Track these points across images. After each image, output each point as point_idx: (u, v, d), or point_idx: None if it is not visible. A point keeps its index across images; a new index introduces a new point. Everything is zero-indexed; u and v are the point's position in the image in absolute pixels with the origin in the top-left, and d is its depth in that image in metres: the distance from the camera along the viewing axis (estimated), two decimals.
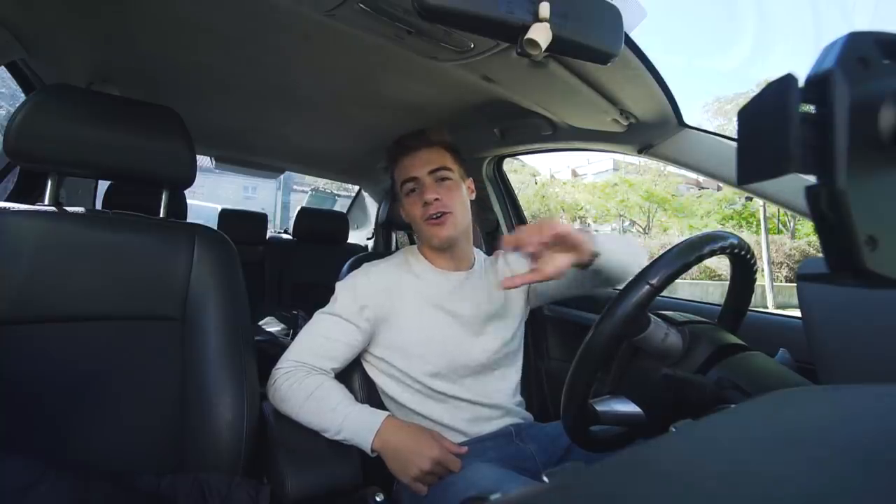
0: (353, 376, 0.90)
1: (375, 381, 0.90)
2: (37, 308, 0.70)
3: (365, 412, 0.77)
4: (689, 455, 0.22)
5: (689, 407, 0.58)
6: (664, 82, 0.87)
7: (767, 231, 10.27)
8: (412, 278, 0.90)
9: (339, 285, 0.89)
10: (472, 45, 0.81)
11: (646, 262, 0.88)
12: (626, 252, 0.82)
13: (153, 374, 0.76)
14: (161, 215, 0.86)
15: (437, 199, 0.85)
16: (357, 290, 0.86)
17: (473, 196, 0.96)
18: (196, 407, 0.75)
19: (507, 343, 0.92)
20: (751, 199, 9.72)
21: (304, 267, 2.18)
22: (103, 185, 1.65)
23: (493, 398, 0.88)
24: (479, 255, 1.02)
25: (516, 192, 1.74)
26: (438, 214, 0.86)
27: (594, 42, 0.55)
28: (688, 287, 8.65)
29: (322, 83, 1.17)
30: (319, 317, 0.86)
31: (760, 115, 0.21)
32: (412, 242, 1.82)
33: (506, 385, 0.91)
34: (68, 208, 0.78)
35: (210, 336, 0.78)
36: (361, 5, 0.70)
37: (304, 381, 0.78)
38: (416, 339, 0.85)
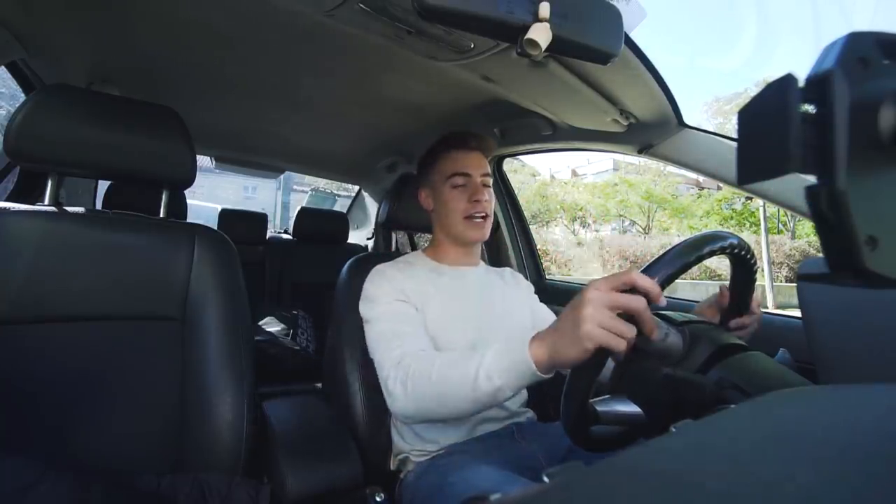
0: (354, 374, 0.90)
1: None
2: (37, 308, 0.70)
3: (498, 347, 0.63)
4: (689, 455, 0.22)
5: (689, 407, 0.57)
6: (664, 82, 0.87)
7: (767, 231, 10.27)
8: (429, 273, 0.93)
9: (367, 285, 0.88)
10: (472, 45, 0.81)
11: None
12: None
13: (153, 375, 0.76)
14: (161, 215, 0.86)
15: (486, 201, 0.91)
16: (392, 281, 0.87)
17: None
18: (196, 407, 0.75)
19: None
20: (751, 199, 9.72)
21: (304, 267, 2.18)
22: (103, 185, 1.65)
23: None
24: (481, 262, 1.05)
25: (516, 192, 1.75)
26: (484, 215, 0.91)
27: (594, 42, 0.55)
28: (688, 287, 8.65)
29: (322, 83, 1.17)
30: (373, 327, 0.82)
31: (760, 115, 0.21)
32: (412, 243, 1.82)
33: None
34: (68, 208, 0.78)
35: (210, 336, 0.78)
36: (361, 5, 0.70)
37: (418, 367, 0.69)
38: (436, 331, 0.86)
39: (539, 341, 0.59)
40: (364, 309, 0.86)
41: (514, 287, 1.03)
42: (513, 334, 0.89)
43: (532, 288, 1.08)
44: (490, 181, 0.95)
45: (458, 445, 0.82)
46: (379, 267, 0.92)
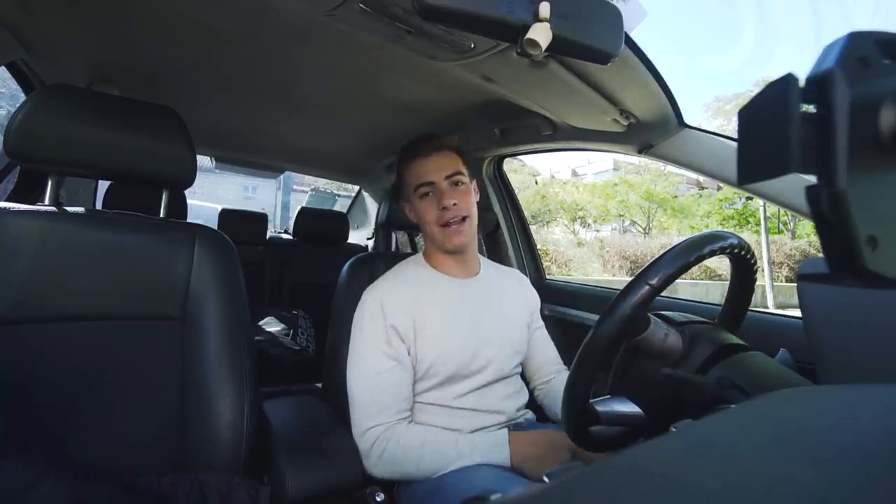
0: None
1: None
2: (37, 308, 0.70)
3: (485, 435, 0.80)
4: (689, 455, 0.22)
5: (689, 407, 0.58)
6: (664, 82, 0.87)
7: (767, 231, 10.26)
8: (427, 289, 0.90)
9: (359, 312, 0.87)
10: (472, 45, 0.81)
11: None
12: None
13: (153, 375, 0.76)
14: (161, 215, 0.86)
15: (455, 204, 0.87)
16: (385, 316, 0.84)
17: (478, 197, 0.95)
18: (196, 407, 0.75)
19: (512, 357, 0.92)
20: (751, 199, 9.72)
21: (304, 267, 2.18)
22: (103, 186, 1.65)
23: (496, 406, 0.88)
24: (484, 262, 1.02)
25: (516, 192, 1.75)
26: (457, 220, 0.87)
27: (594, 42, 0.55)
28: (688, 287, 8.65)
29: (322, 83, 1.17)
30: (354, 369, 0.83)
31: (760, 115, 0.21)
32: (412, 243, 1.82)
33: (509, 391, 0.91)
34: (68, 208, 0.78)
35: (210, 336, 0.78)
36: (361, 5, 0.70)
37: (407, 436, 0.78)
38: (433, 352, 0.84)
39: (523, 452, 0.77)
40: (352, 337, 0.86)
41: (519, 295, 1.01)
42: (510, 349, 0.92)
43: (538, 303, 1.05)
44: (462, 178, 0.89)
45: None
46: (374, 291, 0.88)
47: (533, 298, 1.04)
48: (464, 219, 0.88)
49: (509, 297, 0.98)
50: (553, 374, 1.01)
